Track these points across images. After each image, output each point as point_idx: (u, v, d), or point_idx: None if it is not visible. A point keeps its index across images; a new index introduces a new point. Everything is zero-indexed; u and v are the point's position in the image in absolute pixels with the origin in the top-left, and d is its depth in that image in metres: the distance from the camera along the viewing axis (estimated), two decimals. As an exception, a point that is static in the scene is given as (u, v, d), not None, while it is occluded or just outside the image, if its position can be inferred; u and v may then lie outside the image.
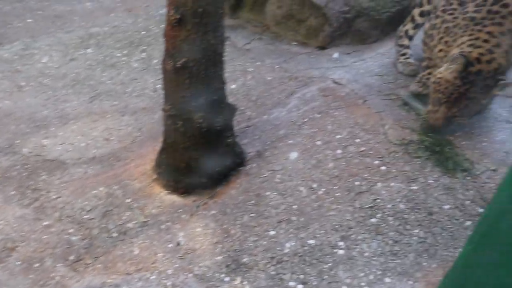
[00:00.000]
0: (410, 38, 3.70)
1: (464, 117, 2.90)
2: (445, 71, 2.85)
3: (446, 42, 3.02)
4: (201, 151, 2.54)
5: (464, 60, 2.73)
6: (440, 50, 3.06)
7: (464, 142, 3.06)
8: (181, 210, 2.64)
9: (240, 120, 3.13)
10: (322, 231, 2.49)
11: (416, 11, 3.64)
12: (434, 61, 3.18)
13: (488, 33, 2.80)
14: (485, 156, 2.98)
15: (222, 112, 2.48)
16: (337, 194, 2.66)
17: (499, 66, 2.75)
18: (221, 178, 2.73)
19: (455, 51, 2.86)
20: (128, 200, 2.71)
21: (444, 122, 2.90)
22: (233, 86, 3.42)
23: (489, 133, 3.19)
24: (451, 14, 3.03)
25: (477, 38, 2.82)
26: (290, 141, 2.97)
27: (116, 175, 2.87)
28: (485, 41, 2.79)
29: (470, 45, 2.82)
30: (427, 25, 3.28)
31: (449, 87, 2.81)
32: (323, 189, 2.69)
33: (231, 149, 2.70)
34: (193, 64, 2.20)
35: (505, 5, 2.83)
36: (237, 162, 2.78)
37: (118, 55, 4.06)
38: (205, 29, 2.12)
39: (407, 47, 3.72)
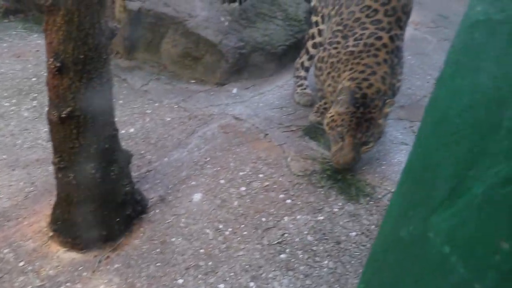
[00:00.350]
0: (306, 69, 3.80)
1: (370, 141, 2.98)
2: (335, 108, 2.99)
3: (333, 77, 3.16)
4: (97, 203, 2.39)
5: (348, 89, 2.90)
6: (329, 85, 3.18)
7: (364, 167, 3.15)
8: (81, 267, 2.45)
9: (140, 164, 3.01)
10: (231, 274, 2.41)
11: (309, 43, 3.75)
12: (326, 93, 3.29)
13: (365, 64, 3.00)
14: (384, 179, 3.08)
15: (116, 160, 2.36)
16: (244, 233, 2.61)
17: (378, 89, 2.93)
18: (123, 228, 2.58)
19: (340, 87, 3.01)
20: (21, 264, 2.48)
21: (354, 154, 2.95)
22: (132, 130, 3.30)
23: (386, 156, 3.31)
24: (335, 48, 3.17)
25: (355, 71, 3.01)
26: (193, 183, 2.90)
27: (6, 237, 2.63)
28: (362, 71, 2.98)
29: (349, 79, 2.99)
30: (316, 58, 3.39)
31: (346, 117, 2.90)
32: (230, 229, 2.62)
33: (130, 197, 2.57)
34: (79, 113, 2.08)
35: (379, 38, 3.01)
36: (138, 210, 2.65)
37: (6, 104, 3.80)
38: (89, 76, 2.01)
39: (304, 78, 3.82)
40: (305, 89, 3.78)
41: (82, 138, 2.14)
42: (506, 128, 0.72)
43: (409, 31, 5.26)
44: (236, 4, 3.92)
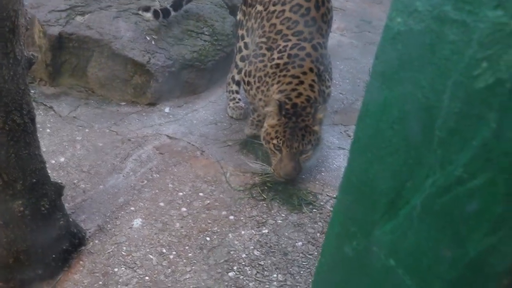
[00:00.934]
0: (237, 83, 3.79)
1: (308, 149, 2.98)
2: (267, 121, 3.01)
3: (262, 91, 3.18)
4: (30, 241, 2.25)
5: (277, 102, 2.91)
6: (260, 99, 3.19)
7: (304, 176, 3.16)
8: (18, 311, 2.31)
9: (74, 195, 2.88)
10: (179, 299, 2.34)
11: (237, 57, 3.75)
12: (258, 107, 3.30)
13: (291, 76, 3.03)
14: (325, 185, 3.11)
15: (46, 194, 2.24)
16: (189, 255, 2.54)
17: (308, 97, 2.96)
18: (61, 264, 2.45)
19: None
20: (-51, 315, 2.30)
21: (294, 164, 2.94)
22: (62, 159, 3.16)
23: (325, 162, 3.34)
24: (261, 61, 3.19)
25: (282, 84, 3.04)
26: (132, 208, 2.80)
27: None
28: (289, 83, 3.01)
29: (278, 93, 3.02)
30: (243, 72, 3.40)
31: (279, 128, 2.91)
32: (174, 253, 2.55)
33: (65, 231, 2.44)
34: None
35: (302, 48, 3.08)
36: (76, 243, 2.53)
37: None
38: (7, 109, 1.89)
39: (236, 92, 3.80)
40: (237, 102, 3.77)
41: (5, 174, 2.01)
42: (438, 137, 0.72)
43: (336, 37, 5.38)
44: (149, 15, 3.85)
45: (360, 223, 0.87)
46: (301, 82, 3.00)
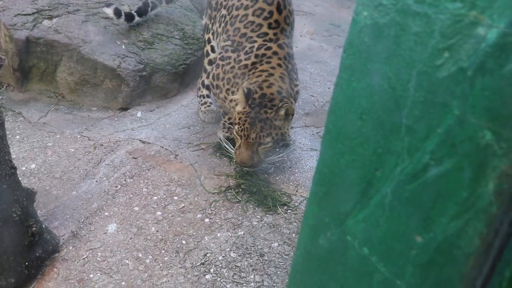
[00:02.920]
0: (207, 87, 3.80)
1: (268, 142, 3.00)
2: (236, 107, 3.04)
3: (232, 92, 3.19)
4: (1, 249, 2.21)
5: (244, 89, 2.95)
6: (231, 101, 3.21)
7: (278, 177, 3.18)
8: (-10, 321, 2.26)
9: (46, 201, 2.84)
10: (156, 303, 2.33)
11: (205, 61, 3.77)
12: (229, 109, 3.32)
13: (261, 70, 3.08)
14: (299, 186, 3.13)
15: (17, 200, 2.20)
16: (165, 259, 2.53)
17: (280, 88, 3.00)
18: (34, 272, 2.41)
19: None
20: None
21: (250, 153, 2.98)
22: (33, 166, 3.11)
23: (298, 163, 3.37)
24: (228, 63, 3.21)
25: (252, 78, 3.08)
26: (106, 213, 2.78)
27: None
28: (259, 76, 3.06)
29: (249, 85, 3.04)
30: (211, 76, 3.41)
31: (242, 116, 2.94)
32: (150, 257, 2.54)
33: (38, 238, 2.40)
34: (-31, 155, 1.92)
35: (269, 48, 3.13)
36: (49, 250, 2.49)
37: None
38: (-24, 114, 1.87)
39: (207, 96, 3.81)
40: (209, 106, 3.78)
41: (-25, 181, 1.98)
42: (405, 125, 0.75)
43: (306, 41, 5.45)
44: (109, 10, 3.82)
45: (333, 214, 0.90)
46: (271, 75, 3.05)
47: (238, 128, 2.98)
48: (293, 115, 3.10)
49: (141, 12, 4.04)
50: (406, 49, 0.72)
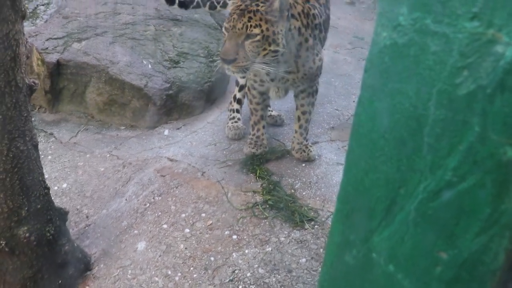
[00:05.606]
0: (239, 101, 3.82)
1: (254, 35, 2.78)
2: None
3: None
4: (36, 268, 2.27)
5: None
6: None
7: (304, 193, 3.18)
8: None
9: (77, 220, 2.90)
10: (186, 320, 2.35)
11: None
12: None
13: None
14: (326, 201, 3.13)
15: (51, 220, 2.26)
16: (194, 276, 2.55)
17: None
18: (67, 290, 2.46)
19: None
20: None
21: (233, 43, 2.77)
22: (64, 185, 3.19)
23: (324, 178, 3.37)
24: None
25: None
26: (135, 231, 2.82)
27: None
28: None
29: None
30: (246, 88, 3.43)
31: (231, 10, 2.85)
32: (179, 274, 2.56)
33: (71, 256, 2.45)
34: (4, 176, 1.98)
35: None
36: (81, 268, 2.54)
37: None
38: (10, 136, 1.93)
39: (236, 111, 3.83)
40: (236, 122, 3.79)
41: (10, 201, 2.04)
42: (427, 144, 0.75)
43: (330, 54, 5.46)
44: (175, 5, 3.85)
45: (358, 231, 0.90)
46: None
47: (226, 22, 2.82)
48: (289, 10, 2.89)
49: (184, 4, 3.95)
50: (426, 68, 0.74)
